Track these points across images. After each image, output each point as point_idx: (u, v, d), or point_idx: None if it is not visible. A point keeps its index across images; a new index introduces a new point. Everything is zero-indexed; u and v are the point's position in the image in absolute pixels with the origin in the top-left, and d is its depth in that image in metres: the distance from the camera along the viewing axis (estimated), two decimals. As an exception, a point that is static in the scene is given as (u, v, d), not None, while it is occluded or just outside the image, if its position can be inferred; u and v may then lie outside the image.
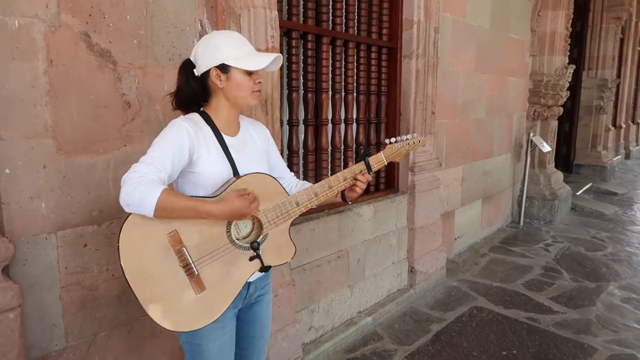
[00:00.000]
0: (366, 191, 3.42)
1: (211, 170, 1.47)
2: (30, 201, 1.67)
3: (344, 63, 3.14)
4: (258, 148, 1.64)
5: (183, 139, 1.41)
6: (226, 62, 1.46)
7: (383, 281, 3.46)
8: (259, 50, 2.26)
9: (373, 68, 3.37)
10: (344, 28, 3.09)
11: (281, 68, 2.56)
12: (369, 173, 1.66)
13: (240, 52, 1.49)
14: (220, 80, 1.48)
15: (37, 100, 1.66)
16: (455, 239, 4.65)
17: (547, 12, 5.71)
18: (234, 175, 1.49)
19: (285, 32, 2.67)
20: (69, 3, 1.70)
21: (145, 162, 1.36)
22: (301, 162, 2.93)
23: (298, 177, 2.86)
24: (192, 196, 1.41)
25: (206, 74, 1.49)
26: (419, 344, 2.97)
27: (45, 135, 1.69)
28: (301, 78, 2.84)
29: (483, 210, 5.17)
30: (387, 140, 1.73)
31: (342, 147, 3.20)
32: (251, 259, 1.49)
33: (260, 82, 1.53)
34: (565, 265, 4.41)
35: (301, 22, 2.77)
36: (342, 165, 3.20)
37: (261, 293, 1.70)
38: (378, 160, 1.68)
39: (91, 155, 1.81)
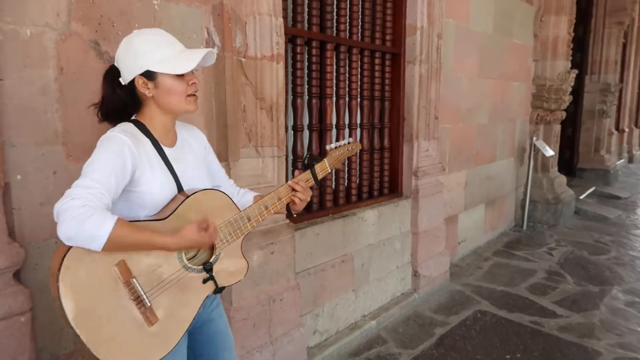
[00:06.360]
0: (370, 195, 3.45)
1: (156, 189, 1.33)
2: (40, 207, 1.70)
3: (348, 69, 3.16)
4: (197, 156, 1.52)
5: (125, 156, 1.25)
6: (150, 69, 1.31)
7: (387, 285, 3.47)
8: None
9: (377, 73, 3.40)
10: (348, 34, 3.12)
11: (286, 74, 2.58)
12: (315, 182, 1.63)
13: (165, 53, 1.33)
14: (148, 88, 1.33)
15: (47, 107, 1.69)
16: (459, 243, 4.67)
17: (550, 17, 5.74)
18: (179, 192, 1.38)
19: (290, 39, 2.70)
20: (79, 12, 1.73)
21: (84, 185, 1.17)
22: (306, 167, 2.94)
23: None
24: (142, 221, 1.27)
25: (132, 82, 1.34)
26: (423, 348, 2.99)
27: (56, 142, 1.72)
28: (306, 84, 2.87)
29: (486, 214, 5.19)
30: (327, 147, 1.70)
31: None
32: (204, 281, 1.39)
33: (194, 84, 1.38)
34: (569, 269, 4.42)
35: (306, 28, 2.80)
36: (345, 170, 3.22)
37: (211, 309, 1.57)
38: (322, 168, 1.66)
39: (100, 161, 1.83)
